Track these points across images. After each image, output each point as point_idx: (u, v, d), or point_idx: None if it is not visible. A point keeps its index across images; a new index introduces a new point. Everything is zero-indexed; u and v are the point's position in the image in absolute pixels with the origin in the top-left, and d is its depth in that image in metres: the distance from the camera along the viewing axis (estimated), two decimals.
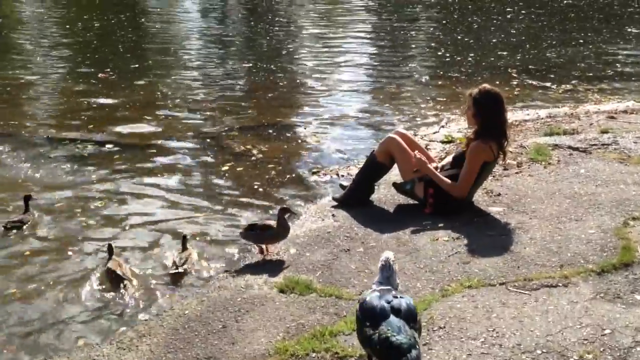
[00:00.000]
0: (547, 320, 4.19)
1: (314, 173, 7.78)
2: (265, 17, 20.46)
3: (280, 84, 12.12)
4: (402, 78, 12.66)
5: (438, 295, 4.60)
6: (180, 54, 14.95)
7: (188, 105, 10.75)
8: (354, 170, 7.29)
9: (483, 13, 20.37)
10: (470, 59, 13.99)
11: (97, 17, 19.36)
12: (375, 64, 14.06)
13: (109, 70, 12.69)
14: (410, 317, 3.39)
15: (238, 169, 7.94)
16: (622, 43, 15.67)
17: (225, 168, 7.99)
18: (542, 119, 9.17)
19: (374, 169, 6.44)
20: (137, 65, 13.36)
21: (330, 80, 12.51)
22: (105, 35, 16.74)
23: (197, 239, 6.13)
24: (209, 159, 8.36)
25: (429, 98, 11.15)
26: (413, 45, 16.07)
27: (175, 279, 5.51)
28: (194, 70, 13.45)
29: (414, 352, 3.22)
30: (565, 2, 22.74)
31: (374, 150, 6.49)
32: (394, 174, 6.62)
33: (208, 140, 9.06)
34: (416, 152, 6.16)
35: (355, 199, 6.41)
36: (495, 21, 18.84)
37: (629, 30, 17.50)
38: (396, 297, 3.46)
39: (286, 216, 5.48)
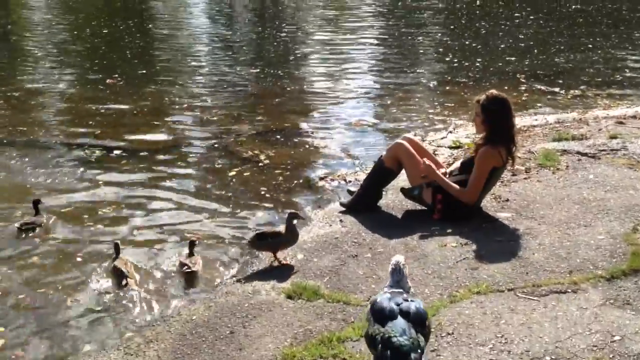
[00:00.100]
0: (556, 327, 4.17)
1: (321, 178, 7.77)
2: (273, 22, 20.51)
3: (288, 89, 12.13)
4: (410, 83, 12.64)
5: (446, 301, 4.58)
6: (187, 60, 14.99)
7: (196, 111, 10.77)
8: (362, 176, 7.27)
9: (491, 18, 20.34)
10: (478, 64, 13.97)
11: (105, 24, 19.44)
12: (383, 69, 14.04)
13: (117, 76, 12.73)
14: (418, 320, 3.38)
15: (245, 174, 7.94)
16: (631, 48, 15.61)
17: (232, 173, 7.99)
18: (551, 124, 9.14)
19: (381, 174, 6.43)
20: (144, 71, 13.40)
21: (338, 85, 12.50)
22: (113, 41, 16.80)
23: (206, 242, 6.13)
24: (217, 164, 8.37)
25: (436, 103, 11.14)
26: (421, 51, 16.06)
27: (189, 278, 5.54)
28: (202, 75, 13.48)
29: (413, 356, 3.21)
30: (573, 7, 22.69)
31: (381, 156, 6.48)
32: (402, 180, 6.60)
33: (215, 145, 9.07)
34: (425, 158, 6.15)
35: (363, 205, 6.40)
36: (503, 26, 18.81)
37: (638, 35, 17.44)
38: (406, 300, 3.46)
39: (294, 221, 5.47)
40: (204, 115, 10.56)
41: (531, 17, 20.26)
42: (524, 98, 11.15)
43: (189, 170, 8.18)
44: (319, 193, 7.40)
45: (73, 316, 5.08)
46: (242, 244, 6.10)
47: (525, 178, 6.91)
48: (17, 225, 6.44)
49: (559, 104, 10.87)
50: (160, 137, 9.37)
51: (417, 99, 11.51)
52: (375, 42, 17.08)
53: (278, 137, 9.35)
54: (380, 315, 3.40)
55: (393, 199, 6.60)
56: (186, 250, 5.82)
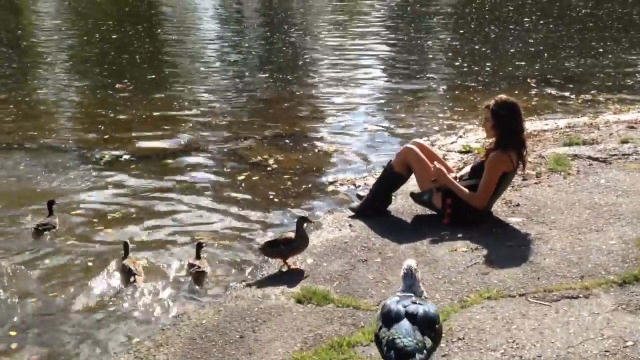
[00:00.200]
0: (568, 332, 4.14)
1: (330, 183, 7.76)
2: (282, 27, 20.52)
3: (297, 94, 12.13)
4: (420, 88, 12.61)
5: (457, 306, 4.56)
6: (196, 65, 15.02)
7: (205, 116, 10.78)
8: (371, 181, 7.26)
9: (500, 23, 20.30)
10: (487, 68, 13.94)
11: (114, 29, 19.53)
12: (392, 74, 14.03)
13: (126, 80, 12.77)
14: (426, 323, 3.38)
15: (254, 179, 7.94)
16: None
17: (241, 178, 8.00)
18: (561, 129, 9.10)
19: (391, 179, 6.41)
20: (154, 76, 13.44)
21: (347, 90, 12.49)
22: (122, 46, 16.86)
23: (215, 246, 6.12)
24: (226, 169, 8.37)
25: (446, 108, 11.11)
26: (430, 56, 16.04)
27: (198, 278, 5.56)
28: (211, 80, 13.50)
29: (418, 357, 3.23)
30: (584, 11, 22.62)
31: (391, 161, 6.47)
32: (412, 184, 6.58)
33: (224, 150, 9.07)
34: (435, 162, 6.13)
35: (373, 209, 6.38)
36: (513, 31, 18.76)
37: None
38: (415, 303, 3.46)
39: (304, 226, 5.46)
40: (213, 119, 10.57)
41: (541, 22, 20.21)
42: (534, 103, 11.11)
43: (198, 175, 8.18)
44: (328, 198, 7.39)
45: (83, 320, 5.09)
46: (252, 248, 6.12)
47: (536, 183, 6.88)
48: (34, 225, 6.55)
49: (570, 108, 10.83)
50: (169, 141, 9.39)
51: (426, 104, 11.49)
52: (385, 47, 17.06)
53: (287, 141, 9.35)
54: (387, 318, 3.43)
55: (402, 203, 6.58)
56: (193, 252, 5.84)
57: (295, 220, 5.59)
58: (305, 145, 9.25)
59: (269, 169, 8.27)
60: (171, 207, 7.19)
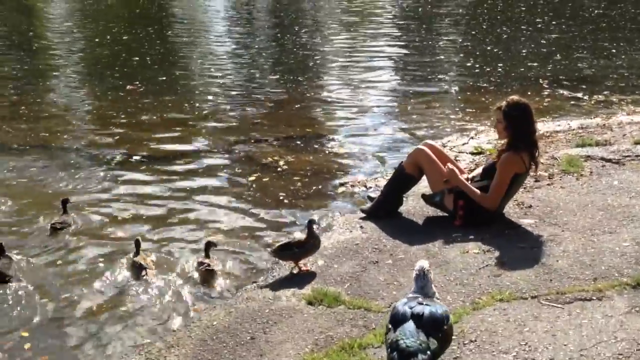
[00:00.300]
0: (581, 335, 4.11)
1: (341, 185, 7.75)
2: (292, 28, 20.53)
3: (308, 95, 12.12)
4: (431, 89, 12.58)
5: (469, 308, 4.54)
6: (207, 66, 15.04)
7: (216, 117, 10.80)
8: (382, 182, 7.24)
9: (512, 23, 20.20)
10: (499, 69, 13.88)
11: (125, 30, 19.59)
12: (403, 75, 14.00)
13: (137, 82, 12.81)
14: (432, 325, 3.39)
15: (265, 180, 7.95)
16: None
17: (252, 179, 8.00)
18: (574, 130, 9.04)
19: (402, 180, 6.39)
20: (164, 78, 13.47)
21: (358, 92, 12.47)
22: (133, 48, 16.90)
23: (226, 247, 6.13)
24: (236, 170, 8.38)
25: (457, 109, 11.08)
26: (441, 57, 15.99)
27: (207, 277, 5.58)
28: (221, 81, 13.52)
29: (420, 357, 3.24)
30: (596, 11, 22.48)
31: (402, 162, 6.45)
32: (423, 186, 6.56)
33: (235, 151, 9.09)
34: (448, 164, 6.11)
35: (384, 211, 6.36)
36: (525, 31, 18.67)
37: None
38: (421, 304, 3.47)
39: (315, 227, 5.46)
40: (224, 121, 10.59)
41: (553, 22, 20.10)
42: (546, 103, 11.05)
43: (208, 176, 8.19)
44: (339, 199, 7.38)
45: (94, 320, 5.12)
46: (262, 249, 6.12)
47: (548, 184, 6.83)
48: (51, 223, 6.62)
49: (583, 109, 10.76)
50: (180, 142, 9.41)
51: (438, 105, 11.44)
52: (396, 48, 17.02)
53: (298, 143, 9.35)
54: (394, 320, 3.47)
55: (414, 205, 6.56)
56: (203, 252, 5.87)
57: (306, 222, 5.58)
58: (316, 146, 9.24)
59: (279, 170, 8.27)
60: (182, 208, 7.22)
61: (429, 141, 6.71)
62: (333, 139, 9.57)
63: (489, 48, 16.41)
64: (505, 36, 18.20)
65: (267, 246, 6.14)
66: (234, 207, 7.21)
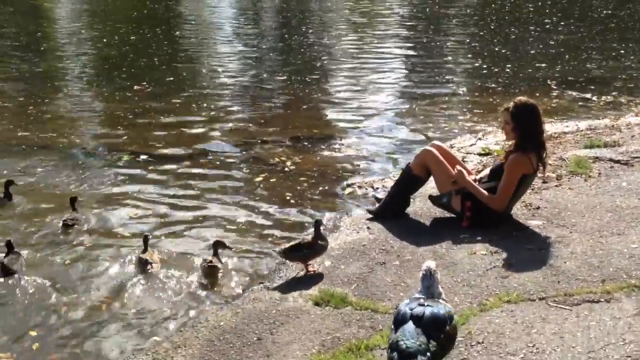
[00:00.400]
0: (589, 337, 4.09)
1: (348, 185, 7.74)
2: (300, 29, 20.54)
3: (315, 96, 12.12)
4: (439, 90, 12.56)
5: (476, 309, 4.53)
6: (214, 67, 15.06)
7: (223, 117, 10.81)
8: (389, 183, 7.23)
9: (521, 24, 20.16)
10: (507, 70, 13.85)
11: (133, 31, 19.63)
12: (411, 76, 13.98)
13: (144, 83, 12.83)
14: (432, 325, 3.40)
15: (272, 180, 7.95)
16: None
17: (259, 179, 8.00)
18: (582, 131, 9.01)
19: (409, 181, 6.38)
20: (172, 78, 13.49)
21: (365, 92, 12.47)
22: (141, 48, 16.95)
23: (233, 247, 6.13)
24: (244, 170, 8.38)
25: (465, 110, 11.06)
26: (449, 57, 15.97)
27: (210, 273, 5.60)
28: (229, 82, 13.53)
29: (419, 358, 3.25)
30: (605, 12, 22.41)
31: (409, 163, 6.44)
32: (430, 187, 6.55)
33: (242, 151, 9.09)
34: (457, 166, 6.10)
35: (391, 212, 6.36)
36: (533, 32, 18.63)
37: None
38: (422, 305, 3.47)
39: (321, 228, 5.45)
40: (231, 121, 10.60)
41: (562, 23, 20.05)
42: (554, 104, 11.02)
43: (216, 176, 8.19)
44: (346, 200, 7.37)
45: (102, 320, 5.12)
46: (269, 249, 6.11)
47: (556, 185, 6.81)
48: (62, 220, 6.68)
49: (591, 110, 10.72)
50: (188, 143, 9.41)
51: (445, 106, 11.42)
52: (403, 48, 17.01)
53: (305, 144, 9.35)
54: (396, 321, 3.48)
55: (421, 206, 6.55)
56: (211, 252, 5.89)
57: (313, 222, 5.58)
58: (323, 147, 9.23)
59: (286, 170, 8.27)
60: (189, 207, 7.22)
61: (437, 142, 6.70)
62: (340, 140, 9.56)
63: (497, 49, 16.38)
64: (513, 37, 18.16)
65: (274, 246, 6.13)
66: (241, 207, 7.20)
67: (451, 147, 8.32)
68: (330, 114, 11.10)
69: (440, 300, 3.58)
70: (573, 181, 6.90)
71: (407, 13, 23.63)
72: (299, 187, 7.69)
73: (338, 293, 4.89)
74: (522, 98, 5.95)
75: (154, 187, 7.81)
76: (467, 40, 18.13)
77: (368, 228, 6.15)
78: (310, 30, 20.15)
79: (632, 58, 14.74)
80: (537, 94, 11.26)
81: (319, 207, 7.12)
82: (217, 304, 5.27)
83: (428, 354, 3.29)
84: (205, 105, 11.48)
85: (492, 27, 20.08)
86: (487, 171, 6.28)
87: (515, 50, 16.07)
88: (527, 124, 5.79)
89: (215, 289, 5.55)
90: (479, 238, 5.70)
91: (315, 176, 8.07)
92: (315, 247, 5.33)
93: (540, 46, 16.40)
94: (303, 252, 5.34)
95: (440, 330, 3.40)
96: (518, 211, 6.19)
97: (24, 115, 10.80)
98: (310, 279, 5.25)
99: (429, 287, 3.60)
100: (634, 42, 16.66)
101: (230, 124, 10.44)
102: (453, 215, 6.17)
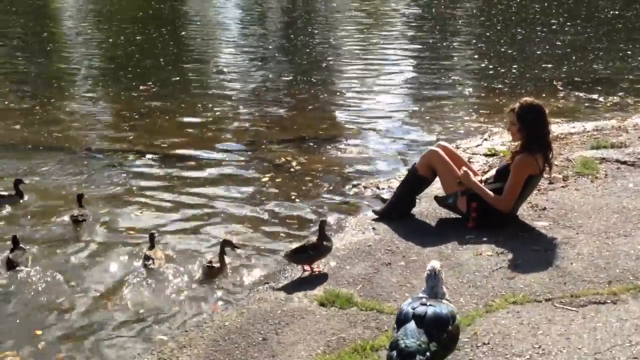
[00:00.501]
0: (596, 338, 4.07)
1: (354, 186, 7.73)
2: (306, 29, 20.54)
3: (321, 96, 12.11)
4: (445, 90, 12.55)
5: (482, 310, 4.51)
6: (220, 67, 15.07)
7: (229, 117, 10.82)
8: (395, 184, 7.22)
9: (527, 24, 20.11)
10: (514, 70, 13.82)
11: (139, 31, 19.66)
12: (417, 76, 13.96)
13: (150, 83, 12.85)
14: (434, 324, 3.39)
15: (277, 180, 7.95)
16: None
17: (265, 179, 8.00)
18: (589, 131, 8.98)
19: (415, 182, 6.37)
20: (178, 78, 13.51)
21: (371, 93, 12.46)
22: (146, 48, 16.97)
23: (238, 246, 6.14)
24: (250, 170, 8.39)
25: (471, 110, 11.04)
26: (455, 58, 15.95)
27: (209, 274, 5.62)
28: (235, 82, 13.54)
29: (418, 358, 3.25)
30: (612, 12, 22.34)
31: (415, 164, 6.43)
32: (436, 188, 6.54)
33: (249, 152, 9.09)
34: (463, 167, 6.09)
35: (397, 212, 6.35)
36: (539, 33, 18.59)
37: None
38: (424, 305, 3.47)
39: (326, 228, 5.44)
40: (237, 121, 10.61)
41: (568, 23, 20.00)
42: (561, 105, 10.99)
43: (222, 176, 8.20)
44: (352, 200, 7.36)
45: (107, 319, 5.12)
46: (274, 250, 6.12)
47: (563, 186, 6.79)
48: (71, 215, 6.74)
49: (598, 111, 10.69)
50: (193, 143, 9.42)
51: (451, 106, 11.41)
52: (409, 48, 16.99)
53: (311, 144, 9.34)
54: (398, 320, 3.49)
55: (427, 207, 6.54)
56: (216, 253, 5.90)
57: (317, 223, 5.57)
58: (329, 147, 9.23)
59: (292, 170, 8.27)
60: (194, 207, 7.23)
61: (442, 143, 6.68)
62: (346, 140, 9.56)
63: (503, 49, 16.35)
64: (519, 37, 18.12)
65: (279, 246, 6.15)
66: (247, 207, 7.21)
67: (457, 147, 8.31)
68: (336, 115, 11.09)
69: (444, 301, 3.58)
70: (579, 182, 6.88)
71: (413, 13, 23.61)
72: (304, 187, 7.69)
73: (343, 293, 4.88)
74: (528, 99, 5.94)
75: (160, 186, 7.83)
76: (474, 41, 18.11)
77: (373, 228, 6.15)
78: (316, 31, 20.15)
79: (639, 59, 14.68)
80: (544, 95, 11.24)
81: (324, 208, 7.12)
82: (223, 304, 5.27)
83: (427, 353, 3.29)
84: (210, 105, 11.49)
85: (498, 27, 20.04)
86: (493, 172, 6.26)
87: (521, 50, 16.04)
88: (533, 125, 5.78)
89: (221, 288, 5.55)
90: (484, 239, 5.69)
91: (321, 176, 8.07)
92: (320, 248, 5.32)
93: (547, 47, 16.37)
94: (308, 253, 5.33)
95: (442, 330, 3.40)
96: (524, 212, 6.17)
97: (30, 115, 10.83)
98: (315, 280, 5.24)
99: (434, 287, 3.60)
100: None
101: (236, 124, 10.44)
102: (459, 216, 6.16)
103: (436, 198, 6.32)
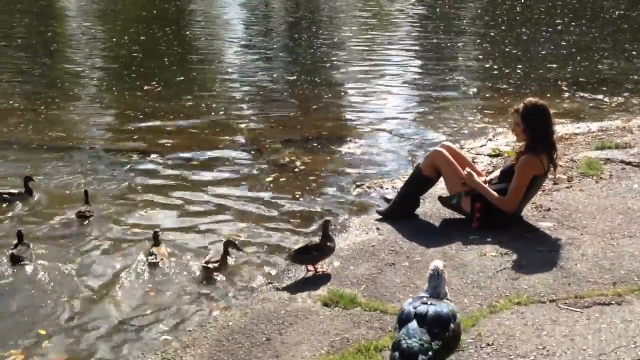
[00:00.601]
0: (600, 339, 4.06)
1: (358, 186, 7.72)
2: (310, 29, 20.54)
3: (325, 96, 12.10)
4: (449, 90, 12.53)
5: (486, 311, 4.50)
6: (224, 67, 15.08)
7: (233, 117, 10.82)
8: (399, 184, 7.21)
9: (532, 24, 20.08)
10: (518, 70, 13.80)
11: (143, 31, 19.67)
12: (421, 76, 13.95)
13: (154, 83, 12.86)
14: (436, 323, 3.38)
15: (281, 180, 7.94)
16: None
17: (269, 179, 8.00)
18: (593, 132, 8.96)
19: (419, 182, 6.36)
20: (182, 78, 13.52)
21: (375, 93, 12.44)
22: (150, 48, 16.98)
23: (242, 247, 6.14)
24: (254, 170, 8.39)
25: (476, 111, 11.02)
26: (460, 58, 15.92)
27: (205, 274, 5.65)
28: (239, 82, 13.55)
29: (421, 357, 3.24)
30: (617, 13, 22.29)
31: (419, 164, 6.42)
32: (440, 188, 6.53)
33: (252, 152, 9.09)
34: (467, 168, 6.08)
35: (401, 213, 6.34)
36: (544, 33, 18.55)
37: None
38: (425, 304, 3.46)
39: (330, 228, 5.44)
40: (241, 121, 10.60)
41: (573, 23, 19.96)
42: (566, 105, 10.97)
43: (225, 176, 8.20)
44: (355, 200, 7.35)
45: (111, 319, 5.13)
46: (278, 249, 6.12)
47: (567, 187, 6.78)
48: (78, 211, 6.82)
49: (602, 111, 10.67)
50: (197, 143, 9.43)
51: (456, 106, 11.39)
52: (413, 48, 16.98)
53: (315, 144, 9.34)
54: (400, 320, 3.47)
55: (431, 207, 6.53)
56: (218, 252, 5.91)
57: (321, 223, 5.57)
58: (333, 147, 9.23)
59: (296, 170, 8.26)
60: (198, 207, 7.23)
61: (447, 143, 6.68)
62: (349, 140, 9.55)
63: (507, 49, 16.33)
64: (524, 37, 18.08)
65: (283, 246, 6.15)
66: (251, 207, 7.21)
67: (461, 148, 8.32)
68: (340, 115, 11.09)
69: (445, 300, 3.57)
70: (584, 183, 6.86)
71: (417, 13, 23.58)
72: (308, 187, 7.69)
73: (347, 294, 4.87)
74: (532, 99, 5.92)
75: (164, 185, 7.84)
76: (478, 41, 18.08)
77: (377, 229, 6.14)
78: (320, 31, 20.14)
79: None
80: (548, 95, 11.22)
81: (328, 208, 7.11)
82: (226, 304, 5.27)
83: (430, 353, 3.28)
84: (214, 105, 11.49)
85: (503, 27, 20.01)
86: (497, 172, 6.25)
87: (526, 51, 16.00)
88: (537, 125, 5.77)
89: (224, 288, 5.55)
90: (489, 239, 5.68)
91: (325, 176, 8.06)
92: (324, 248, 5.31)
93: (552, 47, 16.33)
94: (312, 254, 5.32)
95: (444, 329, 3.39)
96: (528, 212, 6.16)
97: (35, 115, 10.84)
98: (318, 280, 5.24)
99: (436, 286, 3.59)
100: None
101: (240, 124, 10.44)
102: (463, 217, 6.14)
103: (440, 198, 6.31)
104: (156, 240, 6.04)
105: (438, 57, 15.85)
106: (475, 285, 4.92)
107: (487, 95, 12.05)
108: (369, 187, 7.64)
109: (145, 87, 12.56)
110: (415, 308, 3.44)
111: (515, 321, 4.33)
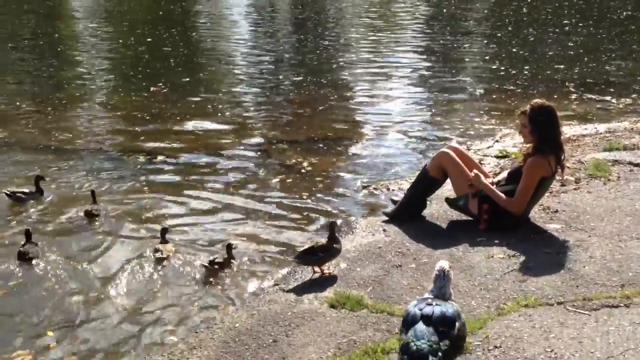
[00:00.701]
0: (608, 342, 4.04)
1: (364, 187, 7.71)
2: (315, 31, 20.53)
3: (331, 97, 12.10)
4: (456, 92, 12.50)
5: (493, 314, 4.48)
6: (230, 68, 15.09)
7: (239, 119, 10.82)
8: (406, 185, 7.20)
9: (539, 25, 20.04)
10: (525, 72, 13.76)
11: (149, 32, 19.73)
12: (428, 77, 13.93)
13: (160, 84, 12.88)
14: (441, 323, 3.37)
15: (288, 181, 7.94)
16: None
17: (276, 180, 8.00)
18: (601, 133, 8.93)
19: (426, 183, 6.34)
20: (188, 79, 13.54)
21: (382, 94, 12.44)
22: (156, 49, 17.02)
23: (249, 248, 6.13)
24: (260, 171, 8.39)
25: (482, 112, 10.99)
26: (467, 59, 15.89)
27: (208, 274, 5.68)
28: (245, 83, 13.56)
29: (431, 359, 3.22)
30: (625, 14, 22.22)
31: (426, 165, 6.40)
32: (447, 189, 6.51)
33: (259, 153, 9.10)
34: (474, 170, 6.06)
35: (407, 214, 6.32)
36: (551, 34, 18.50)
37: None
38: (430, 305, 3.45)
39: (336, 229, 5.43)
40: (247, 122, 10.61)
41: (580, 24, 19.90)
42: (573, 107, 10.93)
43: (232, 177, 8.20)
44: (362, 202, 7.35)
45: (117, 320, 5.14)
46: (285, 251, 6.11)
47: (575, 189, 6.75)
48: (85, 209, 6.91)
49: (610, 113, 10.62)
50: (204, 144, 9.44)
51: (463, 108, 11.37)
52: (420, 49, 16.96)
53: (321, 145, 9.33)
54: (405, 322, 3.45)
55: (437, 208, 6.51)
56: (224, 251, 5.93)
57: (327, 224, 5.56)
58: (339, 148, 9.22)
59: (303, 171, 8.26)
60: (205, 207, 7.24)
61: (454, 144, 6.67)
62: (356, 142, 9.54)
63: (514, 50, 16.29)
64: (531, 38, 18.04)
65: (289, 247, 6.14)
66: (258, 208, 7.21)
67: (468, 149, 8.29)
68: (347, 116, 11.07)
69: (449, 301, 3.55)
70: (592, 184, 6.83)
71: (423, 14, 23.56)
72: (314, 188, 7.68)
73: (354, 296, 4.86)
74: (539, 100, 5.90)
75: (170, 185, 7.86)
76: (485, 42, 18.05)
77: (384, 230, 6.12)
78: (327, 32, 20.14)
79: None
80: (556, 96, 11.18)
81: (334, 209, 7.11)
82: (233, 306, 5.26)
83: (439, 353, 3.26)
84: (221, 106, 11.50)
85: (509, 28, 19.97)
86: (504, 174, 6.23)
87: (533, 52, 15.96)
88: (544, 127, 5.74)
89: (231, 290, 5.55)
90: (496, 241, 5.65)
91: (331, 177, 8.06)
92: (330, 250, 5.30)
93: (559, 48, 16.29)
94: (318, 255, 5.31)
95: (450, 328, 3.38)
96: (536, 214, 6.13)
97: (42, 116, 10.88)
98: (325, 282, 5.23)
99: (442, 287, 3.57)
100: None
101: (247, 125, 10.45)
102: (470, 218, 6.12)
103: (447, 200, 6.29)
104: (163, 237, 6.12)
105: (445, 58, 15.83)
106: (483, 288, 4.90)
107: (494, 96, 12.02)
108: (375, 189, 7.63)
109: (152, 89, 12.59)
110: (420, 310, 3.43)
111: (523, 324, 4.31)
